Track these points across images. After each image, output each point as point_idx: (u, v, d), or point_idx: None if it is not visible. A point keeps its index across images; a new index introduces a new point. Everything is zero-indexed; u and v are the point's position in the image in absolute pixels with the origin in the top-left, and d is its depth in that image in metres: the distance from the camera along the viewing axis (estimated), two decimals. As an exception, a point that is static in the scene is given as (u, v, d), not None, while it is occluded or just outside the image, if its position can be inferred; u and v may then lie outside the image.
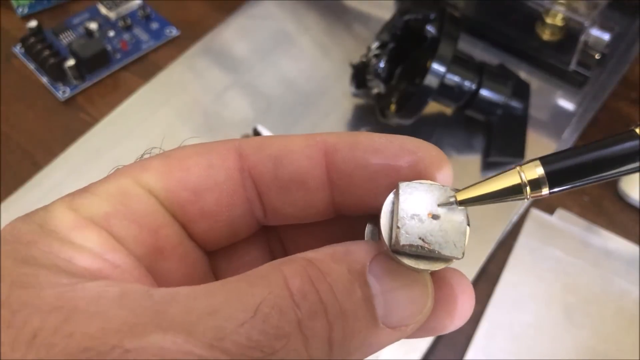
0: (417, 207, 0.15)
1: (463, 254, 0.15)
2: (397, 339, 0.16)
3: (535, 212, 0.45)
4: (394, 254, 0.15)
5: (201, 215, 0.17)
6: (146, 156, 0.18)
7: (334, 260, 0.15)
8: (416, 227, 0.15)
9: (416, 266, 0.15)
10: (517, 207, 0.45)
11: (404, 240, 0.15)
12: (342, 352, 0.14)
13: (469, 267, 0.42)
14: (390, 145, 0.17)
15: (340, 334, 0.14)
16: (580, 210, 0.45)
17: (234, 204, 0.18)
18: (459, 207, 0.16)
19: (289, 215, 0.18)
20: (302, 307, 0.14)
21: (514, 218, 0.45)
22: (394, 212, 0.16)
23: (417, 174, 0.17)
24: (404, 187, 0.16)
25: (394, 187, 0.16)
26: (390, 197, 0.16)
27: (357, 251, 0.15)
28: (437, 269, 0.16)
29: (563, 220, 0.45)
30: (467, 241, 0.16)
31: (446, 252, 0.15)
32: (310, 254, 0.15)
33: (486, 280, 0.42)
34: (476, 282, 0.42)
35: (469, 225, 0.16)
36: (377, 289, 0.15)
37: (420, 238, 0.15)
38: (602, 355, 0.39)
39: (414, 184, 0.16)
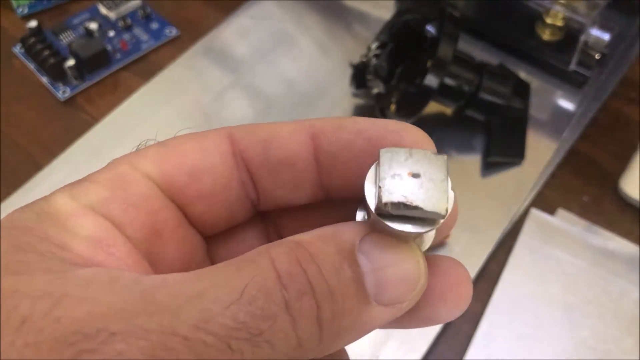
0: (397, 168, 0.16)
1: (447, 210, 0.15)
2: (392, 317, 0.16)
3: (535, 212, 0.45)
4: (380, 218, 0.15)
5: (199, 196, 0.18)
6: (142, 147, 0.18)
7: (323, 241, 0.15)
8: (398, 185, 0.15)
9: (401, 229, 0.15)
10: (517, 207, 0.45)
11: (386, 197, 0.15)
12: (332, 331, 0.14)
13: (469, 267, 0.42)
14: (373, 126, 0.17)
15: (329, 314, 0.14)
16: (581, 210, 0.45)
17: (230, 185, 0.18)
18: (440, 165, 0.16)
19: (280, 198, 0.19)
20: (289, 288, 0.14)
21: (514, 218, 0.45)
22: (376, 177, 0.16)
23: None
24: (384, 152, 0.16)
25: None
26: (374, 166, 0.16)
27: (346, 231, 0.16)
28: (423, 231, 0.15)
29: (563, 220, 0.45)
30: (450, 201, 0.15)
31: (429, 208, 0.15)
32: (299, 237, 0.15)
33: (486, 280, 0.42)
34: (476, 282, 0.42)
35: (450, 184, 0.16)
36: (368, 267, 0.15)
37: (402, 195, 0.15)
38: (602, 355, 0.39)
39: (395, 148, 0.16)
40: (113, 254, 0.15)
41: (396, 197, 0.15)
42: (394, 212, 0.15)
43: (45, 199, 0.16)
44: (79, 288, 0.13)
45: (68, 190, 0.16)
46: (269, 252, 0.15)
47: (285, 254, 0.14)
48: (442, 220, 0.16)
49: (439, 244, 0.19)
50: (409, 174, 0.15)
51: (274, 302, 0.14)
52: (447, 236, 0.41)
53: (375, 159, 0.17)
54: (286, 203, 0.19)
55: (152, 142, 0.18)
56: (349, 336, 0.15)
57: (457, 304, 0.17)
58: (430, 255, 0.18)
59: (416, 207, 0.15)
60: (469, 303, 0.17)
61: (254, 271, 0.14)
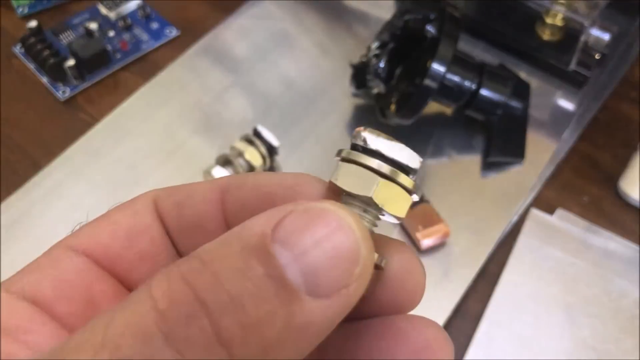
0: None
1: (421, 158, 0.16)
2: (344, 309, 0.13)
3: (535, 212, 0.45)
4: (353, 152, 0.15)
5: (140, 257, 0.17)
6: (76, 229, 0.18)
7: (224, 243, 0.13)
8: (375, 132, 0.16)
9: (374, 162, 0.15)
10: (517, 207, 0.45)
11: (363, 130, 0.15)
12: (252, 348, 0.12)
13: (469, 267, 0.42)
14: (269, 181, 0.17)
15: (236, 328, 0.11)
16: (580, 210, 0.45)
17: (166, 243, 0.18)
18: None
19: None
20: (168, 316, 0.11)
21: (514, 218, 0.45)
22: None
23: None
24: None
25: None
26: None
27: (256, 223, 0.13)
28: (397, 169, 0.15)
29: (563, 220, 0.45)
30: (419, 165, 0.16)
31: (406, 146, 0.15)
32: (199, 249, 0.13)
33: (486, 281, 0.42)
34: (476, 282, 0.42)
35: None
36: (287, 256, 0.12)
37: (379, 133, 0.15)
38: (602, 355, 0.39)
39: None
40: (26, 342, 0.15)
41: (374, 132, 0.15)
42: (370, 142, 0.15)
43: None
44: None
45: (4, 283, 0.16)
46: (149, 280, 0.12)
47: (165, 276, 0.12)
48: (414, 170, 0.15)
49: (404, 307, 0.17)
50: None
51: (147, 342, 0.11)
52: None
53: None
54: None
55: (84, 224, 0.18)
56: (292, 346, 0.12)
57: None
58: (394, 316, 0.16)
59: (392, 142, 0.15)
60: None
61: (123, 311, 0.12)
